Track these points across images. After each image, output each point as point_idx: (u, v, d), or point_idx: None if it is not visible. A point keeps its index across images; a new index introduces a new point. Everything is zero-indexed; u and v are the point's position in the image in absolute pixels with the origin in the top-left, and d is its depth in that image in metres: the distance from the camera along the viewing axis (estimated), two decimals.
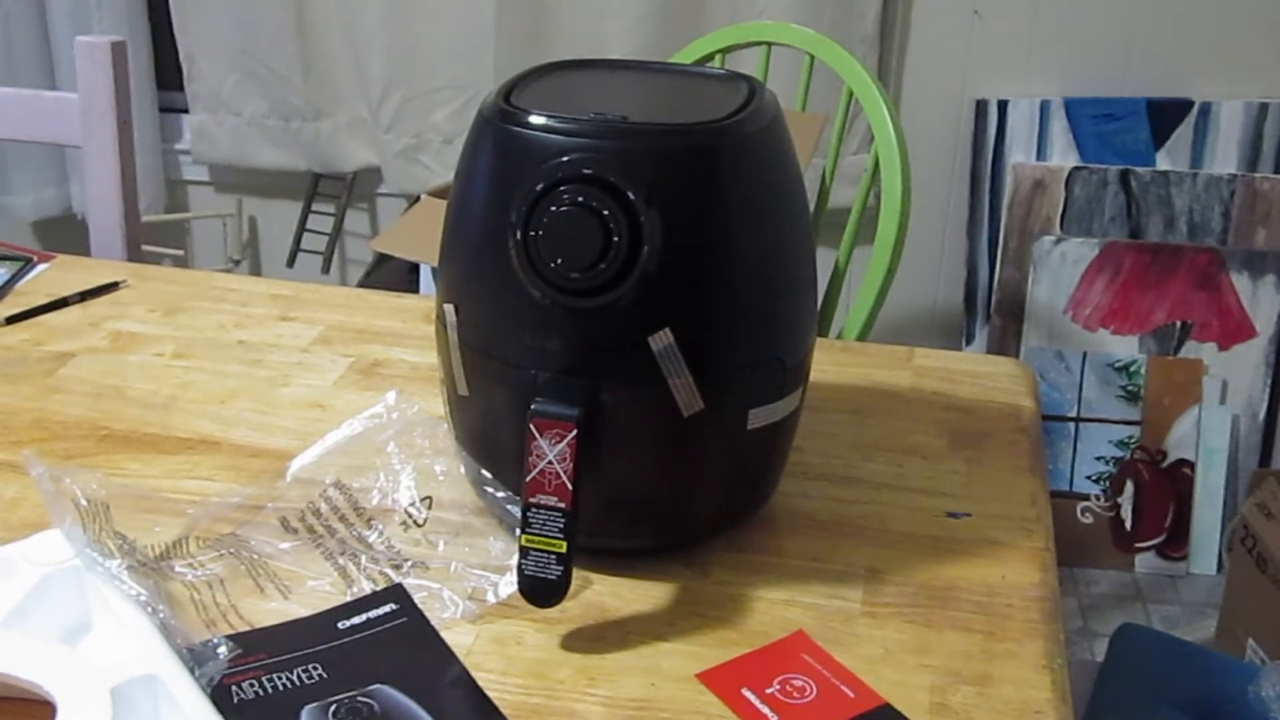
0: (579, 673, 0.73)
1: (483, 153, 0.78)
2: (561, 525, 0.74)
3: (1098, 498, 2.35)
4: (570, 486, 0.73)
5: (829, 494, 0.91)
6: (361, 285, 2.44)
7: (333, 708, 0.69)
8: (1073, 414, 2.35)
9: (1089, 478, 2.35)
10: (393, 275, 2.30)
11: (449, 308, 0.80)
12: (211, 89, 2.53)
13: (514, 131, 0.75)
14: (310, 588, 0.79)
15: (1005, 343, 2.38)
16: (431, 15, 2.37)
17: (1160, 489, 2.34)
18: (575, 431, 0.73)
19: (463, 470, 0.86)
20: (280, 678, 0.71)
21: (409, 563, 0.81)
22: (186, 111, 2.59)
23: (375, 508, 0.86)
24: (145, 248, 1.52)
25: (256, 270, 2.74)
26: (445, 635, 0.75)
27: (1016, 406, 1.03)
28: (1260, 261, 2.29)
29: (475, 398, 0.81)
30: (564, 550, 0.74)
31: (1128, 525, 2.35)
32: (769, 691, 0.71)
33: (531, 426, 0.74)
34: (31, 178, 2.61)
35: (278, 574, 0.80)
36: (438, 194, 2.20)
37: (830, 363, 1.06)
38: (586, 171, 0.72)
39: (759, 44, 1.79)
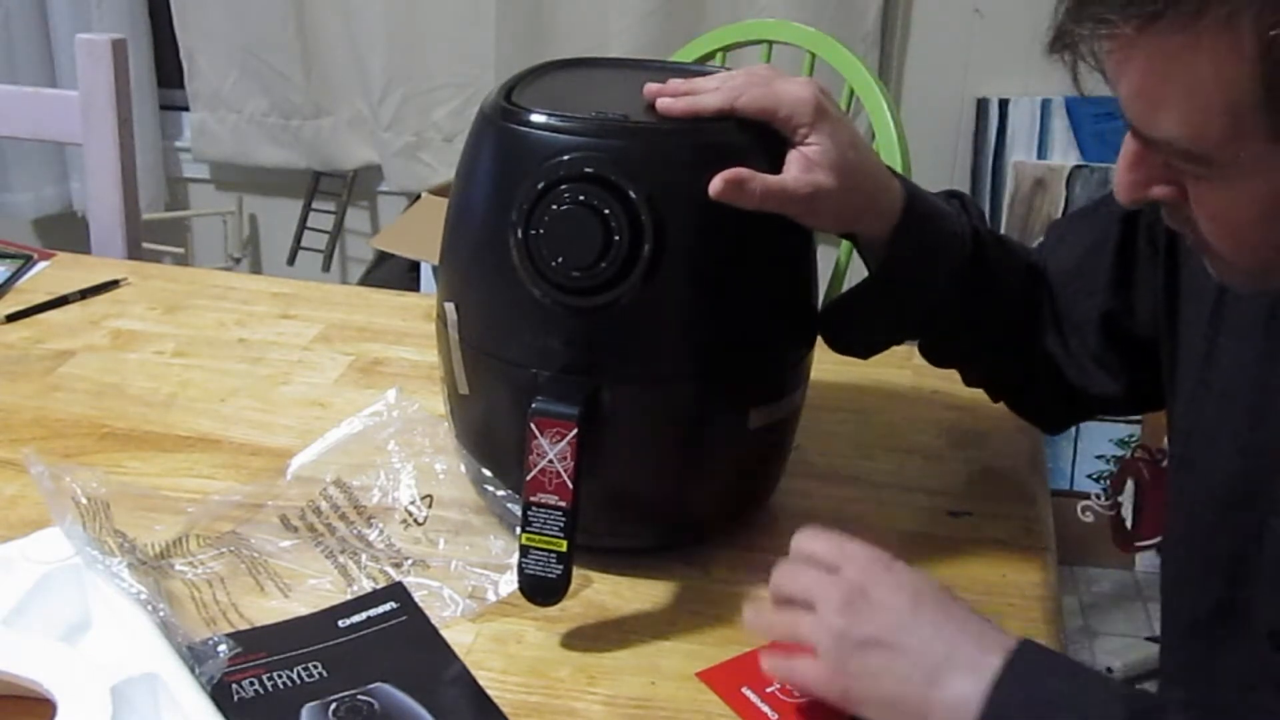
0: (579, 671, 0.73)
1: (484, 151, 0.78)
2: (562, 524, 0.74)
3: (1098, 496, 2.35)
4: (571, 485, 0.73)
5: (830, 493, 0.91)
6: (362, 283, 2.44)
7: (333, 706, 0.69)
8: None
9: (1089, 476, 2.35)
10: (393, 273, 2.30)
11: (450, 306, 0.80)
12: (212, 86, 2.52)
13: (515, 130, 0.75)
14: (310, 586, 0.79)
15: None
16: (432, 13, 2.36)
17: (1161, 488, 2.34)
18: (576, 430, 0.73)
19: (463, 469, 0.86)
20: (280, 676, 0.71)
21: (409, 561, 0.81)
22: (187, 109, 2.59)
23: (375, 506, 0.86)
24: (145, 246, 1.52)
25: (257, 268, 2.74)
26: (445, 634, 0.75)
27: None
28: None
29: (476, 396, 0.81)
30: (564, 549, 0.74)
31: (1128, 524, 2.35)
32: (769, 690, 0.71)
33: (532, 425, 0.74)
34: (32, 175, 2.60)
35: (278, 572, 0.80)
36: (438, 192, 2.20)
37: (831, 362, 1.05)
38: (587, 170, 0.72)
39: (759, 42, 1.79)
